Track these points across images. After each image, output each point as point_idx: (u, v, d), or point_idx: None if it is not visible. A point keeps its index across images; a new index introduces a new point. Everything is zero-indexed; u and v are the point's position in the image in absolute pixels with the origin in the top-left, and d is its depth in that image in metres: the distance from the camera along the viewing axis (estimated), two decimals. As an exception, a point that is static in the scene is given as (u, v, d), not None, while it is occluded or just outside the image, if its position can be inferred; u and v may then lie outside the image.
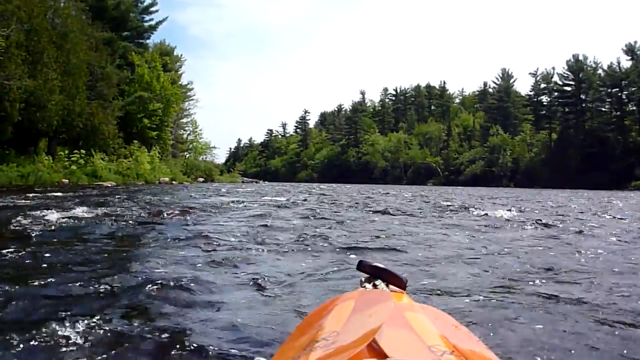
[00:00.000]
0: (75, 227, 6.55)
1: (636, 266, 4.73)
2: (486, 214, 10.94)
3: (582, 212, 13.50)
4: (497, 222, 9.36)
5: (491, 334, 2.52)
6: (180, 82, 57.14)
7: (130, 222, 7.36)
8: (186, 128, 61.52)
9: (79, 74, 29.49)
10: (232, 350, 2.21)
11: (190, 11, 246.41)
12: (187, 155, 59.40)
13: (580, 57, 76.83)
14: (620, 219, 11.04)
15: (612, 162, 65.20)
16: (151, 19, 47.42)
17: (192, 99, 61.47)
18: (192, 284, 3.34)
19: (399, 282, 1.41)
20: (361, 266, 1.47)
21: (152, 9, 46.51)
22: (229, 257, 4.52)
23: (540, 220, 9.55)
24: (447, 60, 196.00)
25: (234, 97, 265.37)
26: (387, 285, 1.37)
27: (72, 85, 28.23)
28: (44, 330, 2.25)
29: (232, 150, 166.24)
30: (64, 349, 2.13)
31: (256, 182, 67.67)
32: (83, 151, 29.66)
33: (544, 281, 3.88)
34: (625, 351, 2.33)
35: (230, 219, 8.31)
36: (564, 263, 4.72)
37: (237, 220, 8.18)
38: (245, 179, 76.31)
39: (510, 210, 12.56)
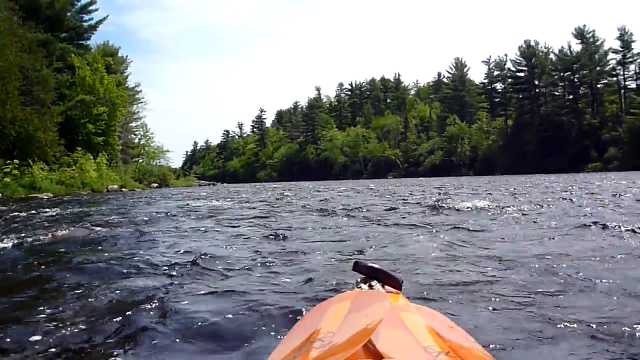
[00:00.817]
0: None
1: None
2: (469, 208, 9.70)
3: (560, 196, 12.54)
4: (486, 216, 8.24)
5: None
6: (126, 85, 54.66)
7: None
8: (136, 132, 58.93)
9: (10, 78, 27.15)
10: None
11: (139, 14, 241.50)
12: (140, 161, 56.87)
13: (532, 43, 77.49)
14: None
15: (568, 146, 65.76)
16: (91, 19, 45.01)
17: (141, 102, 58.91)
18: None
19: (394, 283, 1.41)
20: (357, 267, 1.44)
21: (91, 7, 44.09)
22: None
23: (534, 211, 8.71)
24: (400, 53, 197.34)
25: (188, 100, 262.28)
26: (382, 286, 1.36)
27: (1, 90, 25.91)
28: None
29: (189, 153, 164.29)
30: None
31: (213, 185, 65.67)
32: (17, 161, 27.25)
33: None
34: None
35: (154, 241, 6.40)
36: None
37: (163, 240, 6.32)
38: (202, 182, 74.17)
39: (490, 200, 11.65)
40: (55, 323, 2.57)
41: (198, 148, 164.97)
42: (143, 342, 2.28)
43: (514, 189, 19.12)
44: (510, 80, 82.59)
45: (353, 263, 1.47)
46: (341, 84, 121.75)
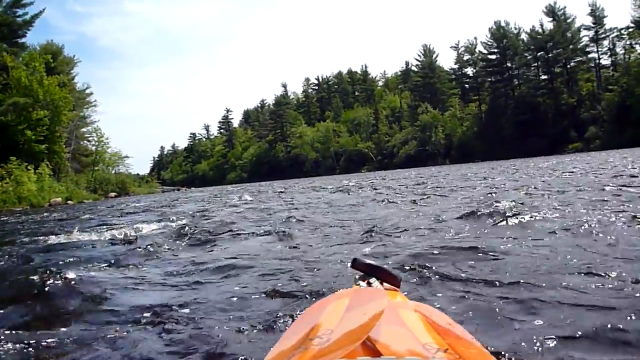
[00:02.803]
0: None
1: None
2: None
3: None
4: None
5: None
6: (75, 87, 50.31)
7: None
8: (90, 138, 54.35)
9: None
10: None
11: (97, 22, 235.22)
12: (96, 169, 52.33)
13: (503, 24, 74.94)
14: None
15: (546, 127, 63.56)
16: (25, 13, 40.44)
17: (93, 105, 54.43)
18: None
19: (393, 280, 1.40)
20: (355, 264, 1.44)
21: (25, 1, 39.42)
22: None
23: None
24: (366, 44, 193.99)
25: (153, 105, 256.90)
26: (381, 283, 1.36)
27: None
28: None
29: (156, 159, 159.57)
30: None
31: (177, 190, 61.68)
32: None
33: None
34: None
35: None
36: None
37: None
38: (166, 187, 70.08)
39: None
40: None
41: (165, 153, 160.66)
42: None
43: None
44: (482, 63, 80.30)
45: (352, 260, 1.46)
46: (308, 79, 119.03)
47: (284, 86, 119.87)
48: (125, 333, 2.64)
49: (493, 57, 77.27)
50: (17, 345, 2.50)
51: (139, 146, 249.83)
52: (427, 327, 0.95)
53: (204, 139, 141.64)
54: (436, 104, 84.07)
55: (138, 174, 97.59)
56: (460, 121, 79.64)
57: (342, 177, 50.73)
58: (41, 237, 7.68)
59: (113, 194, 47.28)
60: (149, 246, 5.66)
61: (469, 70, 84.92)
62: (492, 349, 1.99)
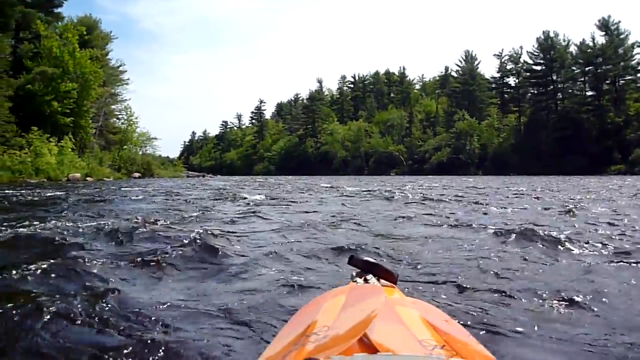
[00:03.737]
0: None
1: None
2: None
3: None
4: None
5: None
6: (109, 63, 49.65)
7: None
8: (120, 116, 53.71)
9: None
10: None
11: (142, 4, 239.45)
12: (124, 148, 51.56)
13: (551, 34, 72.03)
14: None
15: (588, 146, 60.65)
16: (62, -18, 39.54)
17: (125, 83, 53.67)
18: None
19: (390, 277, 1.40)
20: (352, 261, 1.45)
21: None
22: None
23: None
24: (405, 46, 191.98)
25: (188, 90, 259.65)
26: (378, 280, 1.36)
27: None
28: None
29: (187, 143, 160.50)
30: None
31: (202, 177, 60.65)
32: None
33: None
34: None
35: None
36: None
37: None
38: (191, 173, 69.22)
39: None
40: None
41: (196, 138, 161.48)
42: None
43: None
44: (525, 74, 77.57)
45: (349, 257, 1.46)
46: (344, 77, 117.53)
47: (319, 82, 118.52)
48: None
49: (538, 68, 74.50)
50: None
51: (171, 129, 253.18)
52: (424, 324, 0.95)
53: (235, 128, 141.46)
54: (473, 112, 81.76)
55: (168, 157, 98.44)
56: (497, 132, 77.16)
57: (371, 178, 49.09)
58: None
59: (137, 174, 46.55)
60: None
61: (511, 80, 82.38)
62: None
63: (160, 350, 2.06)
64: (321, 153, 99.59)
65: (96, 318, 2.40)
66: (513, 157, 69.26)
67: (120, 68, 53.26)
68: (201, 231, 5.04)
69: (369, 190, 16.56)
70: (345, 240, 5.05)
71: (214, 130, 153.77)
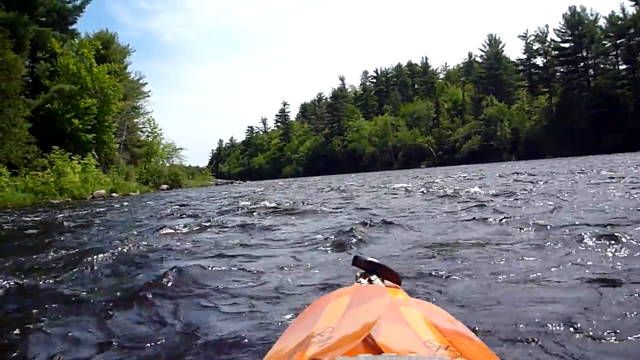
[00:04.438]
0: None
1: None
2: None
3: None
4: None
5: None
6: (129, 77, 49.42)
7: None
8: (143, 129, 53.50)
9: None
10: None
11: (161, 19, 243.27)
12: (150, 161, 51.25)
13: (578, 9, 69.21)
14: None
15: (625, 122, 58.02)
16: (76, -1, 39.25)
17: (147, 95, 53.43)
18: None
19: (394, 278, 1.41)
20: (356, 261, 1.44)
21: (74, -13, 38.28)
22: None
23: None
24: (426, 36, 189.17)
25: (213, 99, 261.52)
26: (382, 281, 1.37)
27: None
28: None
29: (215, 151, 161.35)
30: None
31: (231, 183, 60.17)
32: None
33: None
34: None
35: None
36: None
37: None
38: (219, 180, 68.90)
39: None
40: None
41: (223, 146, 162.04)
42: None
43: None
44: (553, 52, 74.84)
45: (353, 258, 1.45)
46: (366, 72, 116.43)
47: (342, 79, 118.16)
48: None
49: (567, 45, 71.62)
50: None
51: (199, 139, 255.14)
52: (429, 325, 0.94)
53: (261, 133, 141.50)
54: (502, 96, 79.54)
55: (198, 167, 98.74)
56: (528, 115, 74.68)
57: (402, 172, 47.75)
58: None
59: (165, 186, 46.21)
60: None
61: (539, 61, 79.66)
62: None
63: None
64: (348, 151, 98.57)
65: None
66: (547, 139, 66.73)
67: (141, 80, 53.06)
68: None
69: (421, 189, 12.96)
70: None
71: (241, 137, 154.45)
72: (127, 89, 46.50)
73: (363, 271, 1.41)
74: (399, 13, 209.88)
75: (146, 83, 53.85)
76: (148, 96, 54.01)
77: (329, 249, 4.59)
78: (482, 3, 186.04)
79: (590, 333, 2.07)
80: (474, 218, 5.76)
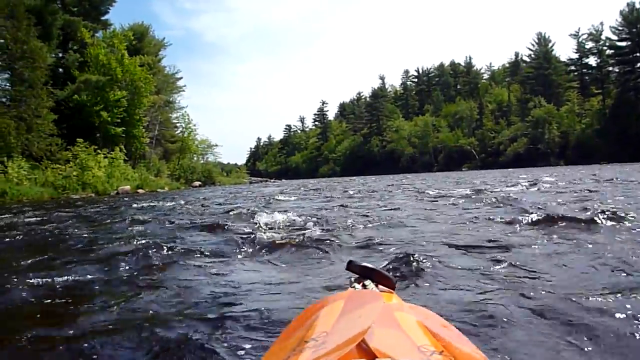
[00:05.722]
0: None
1: None
2: None
3: None
4: None
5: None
6: (164, 70, 48.26)
7: None
8: (178, 125, 52.37)
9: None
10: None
11: (204, 18, 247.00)
12: (182, 157, 50.07)
13: (637, 6, 64.92)
14: None
15: (687, 126, 54.02)
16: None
17: (182, 90, 52.21)
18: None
19: (388, 282, 1.39)
20: (350, 266, 1.43)
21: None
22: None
23: None
24: (471, 35, 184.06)
25: (252, 97, 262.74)
26: (376, 286, 1.35)
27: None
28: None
29: (252, 149, 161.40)
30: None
31: (265, 181, 58.56)
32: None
33: None
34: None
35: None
36: None
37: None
38: (253, 178, 67.40)
39: None
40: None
41: (261, 144, 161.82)
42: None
43: None
44: (608, 52, 70.66)
45: (347, 262, 1.45)
46: (407, 71, 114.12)
47: (382, 78, 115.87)
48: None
49: (623, 44, 67.37)
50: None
51: (238, 136, 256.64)
52: (423, 329, 0.94)
53: (299, 131, 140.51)
54: (550, 97, 75.79)
55: (236, 164, 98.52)
56: (578, 117, 70.68)
57: (444, 174, 45.16)
58: None
59: (197, 183, 44.94)
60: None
61: (592, 60, 75.46)
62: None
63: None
64: (387, 151, 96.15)
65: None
66: (599, 143, 62.91)
67: (176, 75, 51.86)
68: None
69: (487, 200, 9.14)
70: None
71: (278, 135, 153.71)
72: (161, 82, 45.35)
73: (357, 276, 1.39)
74: (442, 11, 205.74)
75: (181, 77, 52.64)
76: (183, 91, 52.88)
77: None
78: (530, 1, 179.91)
79: None
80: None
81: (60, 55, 33.98)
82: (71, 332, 2.47)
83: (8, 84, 25.38)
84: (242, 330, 2.35)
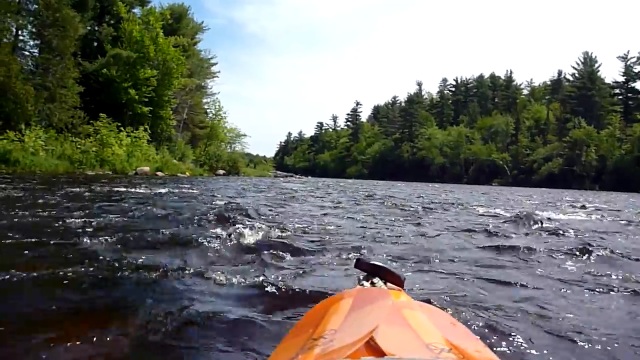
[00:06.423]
0: None
1: None
2: None
3: None
4: None
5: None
6: (199, 54, 47.76)
7: None
8: (208, 111, 51.87)
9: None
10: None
11: (248, 9, 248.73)
12: (209, 143, 49.53)
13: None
14: None
15: None
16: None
17: (215, 76, 51.69)
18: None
19: (396, 280, 1.38)
20: (359, 264, 1.43)
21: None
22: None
23: None
24: (513, 49, 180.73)
25: (286, 92, 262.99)
26: (385, 283, 1.35)
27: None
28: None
29: (282, 144, 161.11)
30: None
31: (290, 177, 57.71)
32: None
33: None
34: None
35: None
36: None
37: None
38: (279, 172, 66.72)
39: None
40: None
41: (291, 139, 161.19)
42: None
43: None
44: (658, 77, 68.17)
45: (355, 260, 1.44)
46: (445, 80, 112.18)
47: (419, 84, 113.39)
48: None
49: (675, 70, 65.02)
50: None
51: (269, 129, 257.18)
52: (431, 327, 0.93)
53: (330, 130, 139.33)
54: (591, 119, 73.23)
55: (264, 157, 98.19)
56: (619, 142, 68.13)
57: (475, 188, 43.49)
58: None
59: (222, 172, 44.31)
60: None
61: (638, 85, 72.93)
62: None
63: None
64: (417, 159, 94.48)
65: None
66: (638, 171, 60.51)
67: (211, 60, 51.36)
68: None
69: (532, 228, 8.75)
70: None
71: (310, 131, 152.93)
72: (195, 66, 44.82)
73: (365, 274, 1.38)
74: (485, 23, 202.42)
75: (216, 63, 52.13)
76: (216, 77, 52.37)
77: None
78: (578, 20, 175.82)
79: None
80: None
81: (95, 28, 33.61)
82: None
83: (36, 51, 25.02)
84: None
